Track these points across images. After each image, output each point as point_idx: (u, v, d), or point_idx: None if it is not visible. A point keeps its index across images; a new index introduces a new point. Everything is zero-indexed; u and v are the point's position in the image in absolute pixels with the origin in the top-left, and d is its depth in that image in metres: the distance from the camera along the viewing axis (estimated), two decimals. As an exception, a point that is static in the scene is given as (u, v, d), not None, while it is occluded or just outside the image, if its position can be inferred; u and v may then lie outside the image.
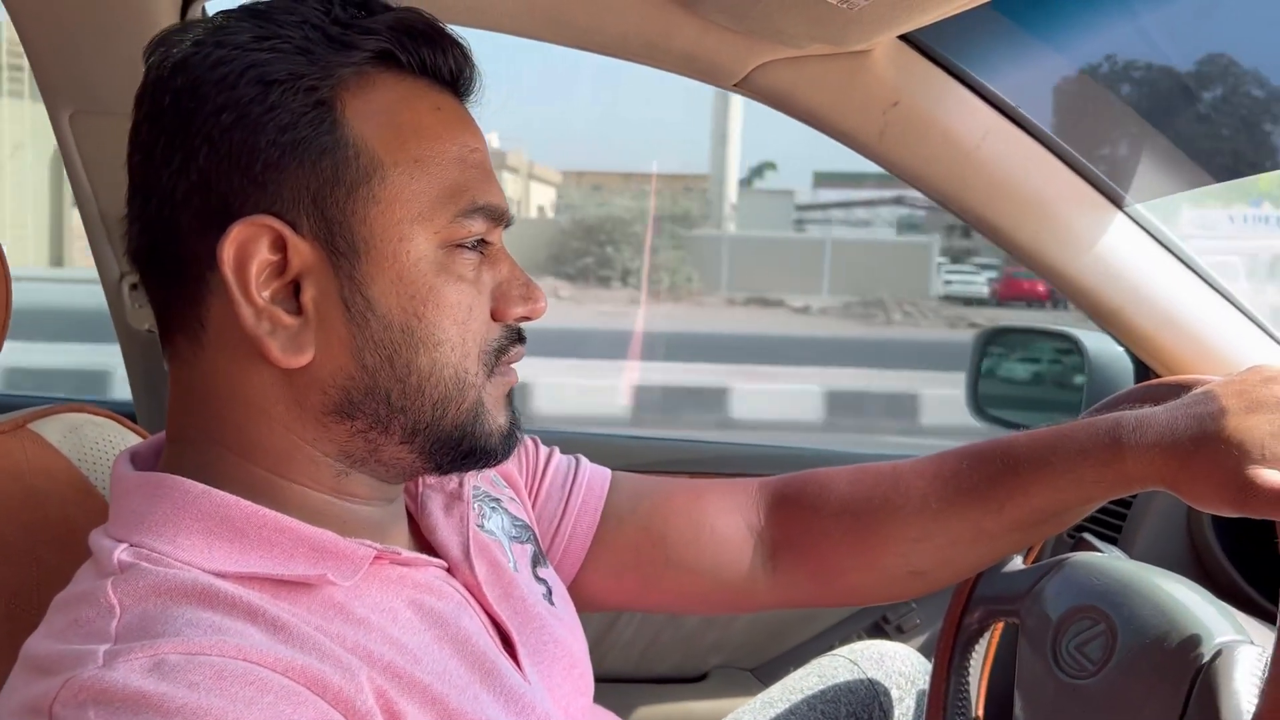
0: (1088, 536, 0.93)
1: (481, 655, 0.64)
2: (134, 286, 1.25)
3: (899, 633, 1.56)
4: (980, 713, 0.94)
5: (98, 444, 0.93)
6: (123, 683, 0.49)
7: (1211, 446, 0.67)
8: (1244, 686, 0.66)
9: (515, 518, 0.81)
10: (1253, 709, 0.64)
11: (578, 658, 0.77)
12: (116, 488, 0.64)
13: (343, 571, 0.60)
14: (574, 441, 0.99)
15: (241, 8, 0.63)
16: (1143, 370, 1.31)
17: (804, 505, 0.87)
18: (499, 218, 0.65)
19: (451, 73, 0.66)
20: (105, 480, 0.91)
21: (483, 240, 0.65)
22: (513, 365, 0.69)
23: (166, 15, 1.05)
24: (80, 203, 1.21)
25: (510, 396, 0.70)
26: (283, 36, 0.60)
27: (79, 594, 0.57)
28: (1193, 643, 0.70)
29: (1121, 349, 1.34)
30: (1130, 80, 1.16)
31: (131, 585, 0.55)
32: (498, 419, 0.67)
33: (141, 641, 0.51)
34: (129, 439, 0.96)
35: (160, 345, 0.67)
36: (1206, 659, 0.69)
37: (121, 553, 0.57)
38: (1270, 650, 0.63)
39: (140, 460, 0.67)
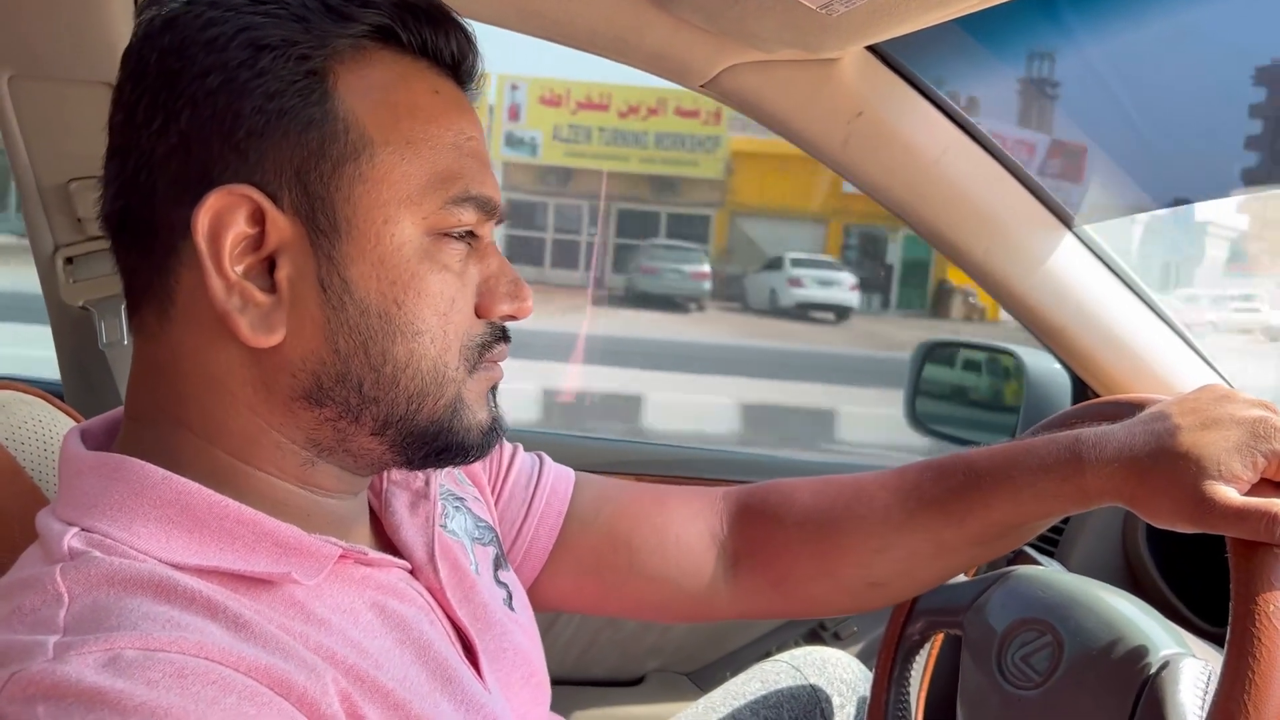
0: (1026, 549, 0.93)
1: (443, 662, 0.62)
2: (69, 260, 1.20)
3: (836, 640, 1.56)
4: (920, 722, 0.94)
5: (27, 423, 0.90)
6: (76, 678, 0.46)
7: (1169, 462, 0.67)
8: (1189, 699, 0.67)
9: (479, 518, 0.79)
10: None
11: (535, 665, 0.75)
12: (68, 468, 0.60)
13: (307, 570, 0.58)
14: (533, 440, 0.98)
15: None
16: (1080, 387, 1.33)
17: (767, 516, 0.86)
18: (491, 211, 0.63)
19: (454, 56, 0.64)
20: (34, 460, 0.87)
21: (471, 232, 0.63)
22: (497, 362, 0.67)
23: (113, -23, 1.01)
24: (16, 171, 1.15)
25: (493, 392, 0.67)
26: (280, 1, 0.58)
27: (23, 579, 0.53)
28: (1139, 655, 0.71)
29: (1059, 366, 1.36)
30: (1086, 103, 1.18)
31: (82, 573, 0.52)
32: (478, 414, 0.65)
33: (95, 634, 0.48)
34: (59, 418, 0.93)
35: (127, 318, 0.63)
36: (1153, 671, 0.69)
37: (72, 538, 0.54)
38: (1216, 665, 0.64)
39: (91, 439, 0.63)
